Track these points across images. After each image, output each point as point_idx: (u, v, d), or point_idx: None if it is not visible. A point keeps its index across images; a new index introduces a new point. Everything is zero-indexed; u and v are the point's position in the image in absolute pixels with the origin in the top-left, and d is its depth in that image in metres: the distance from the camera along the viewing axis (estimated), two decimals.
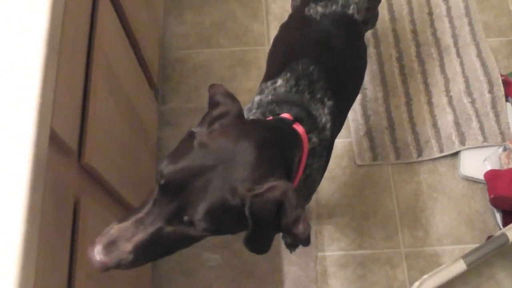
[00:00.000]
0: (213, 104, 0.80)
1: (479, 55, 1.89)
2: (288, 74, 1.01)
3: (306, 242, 0.74)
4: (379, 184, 1.69)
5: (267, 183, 0.71)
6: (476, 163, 1.69)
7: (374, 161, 1.71)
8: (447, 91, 1.83)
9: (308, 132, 0.94)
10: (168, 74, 1.84)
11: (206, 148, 0.72)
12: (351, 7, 1.11)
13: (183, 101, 1.79)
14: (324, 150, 0.99)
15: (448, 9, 1.99)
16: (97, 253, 0.68)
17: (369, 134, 1.74)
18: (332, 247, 1.61)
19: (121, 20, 1.27)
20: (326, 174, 1.11)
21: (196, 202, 0.69)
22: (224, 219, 0.70)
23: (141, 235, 0.69)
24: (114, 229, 0.70)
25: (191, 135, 0.75)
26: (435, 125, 1.77)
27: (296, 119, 0.93)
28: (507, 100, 1.80)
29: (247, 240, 0.73)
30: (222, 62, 1.87)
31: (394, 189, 1.69)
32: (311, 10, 1.11)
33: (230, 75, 1.85)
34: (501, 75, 1.83)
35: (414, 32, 1.93)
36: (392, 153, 1.72)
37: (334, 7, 1.10)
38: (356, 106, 1.79)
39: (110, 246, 0.68)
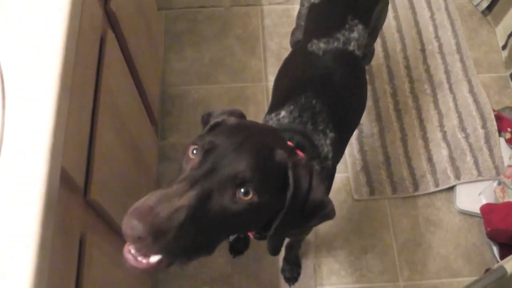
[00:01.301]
0: (209, 116, 0.86)
1: (471, 91, 1.94)
2: (292, 107, 1.05)
3: (333, 211, 0.79)
4: (377, 218, 1.71)
5: (298, 156, 0.77)
6: (472, 197, 1.71)
7: (371, 196, 1.73)
8: (441, 126, 1.87)
9: (310, 159, 0.96)
10: (168, 110, 1.88)
11: (239, 125, 0.77)
12: (352, 44, 1.15)
13: (183, 136, 1.82)
14: (326, 179, 1.02)
15: (440, 45, 2.05)
16: (144, 211, 0.59)
17: (366, 169, 1.77)
18: (330, 281, 1.61)
19: (126, 58, 1.31)
20: None
21: (244, 163, 0.68)
22: (270, 181, 0.70)
23: (192, 192, 0.64)
24: (160, 191, 0.63)
25: (222, 123, 0.79)
26: (430, 159, 1.81)
27: (298, 147, 0.96)
28: (500, 135, 1.84)
29: (282, 219, 0.74)
30: (221, 98, 1.91)
31: (391, 223, 1.71)
32: (314, 46, 1.15)
33: None
34: (493, 110, 1.88)
35: (408, 68, 1.99)
36: (389, 188, 1.74)
37: (336, 44, 1.14)
38: (353, 141, 1.82)
39: (159, 202, 0.61)
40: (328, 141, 1.02)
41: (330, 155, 1.01)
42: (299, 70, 1.16)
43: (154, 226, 0.58)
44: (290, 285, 1.59)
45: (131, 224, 0.58)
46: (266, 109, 1.84)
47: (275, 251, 0.83)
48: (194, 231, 0.63)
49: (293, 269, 1.58)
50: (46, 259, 0.68)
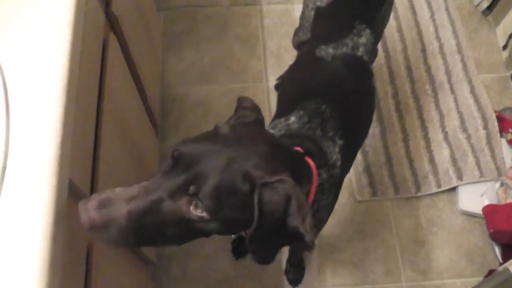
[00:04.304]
0: (239, 108, 0.84)
1: (472, 91, 1.94)
2: (301, 112, 1.03)
3: (311, 244, 0.73)
4: (379, 219, 1.71)
5: (279, 176, 0.71)
6: (474, 197, 1.71)
7: (373, 197, 1.73)
8: (443, 127, 1.87)
9: (318, 167, 0.94)
10: (167, 111, 1.86)
11: (226, 136, 0.74)
12: (360, 49, 1.14)
13: (183, 138, 1.80)
14: (333, 188, 1.01)
15: (441, 46, 2.04)
16: (89, 208, 0.64)
17: (368, 170, 1.77)
18: (334, 282, 1.61)
19: (127, 60, 1.29)
20: None
21: (206, 176, 0.67)
22: (229, 202, 0.68)
23: (139, 201, 0.67)
24: (114, 190, 0.67)
25: (215, 128, 0.77)
26: (432, 160, 1.80)
27: (307, 153, 0.94)
28: (501, 136, 1.84)
29: (251, 237, 0.71)
30: (221, 99, 1.90)
31: (394, 224, 1.70)
32: (322, 52, 1.14)
33: (230, 112, 1.84)
34: (494, 111, 1.88)
35: (409, 68, 1.98)
36: (391, 189, 1.74)
37: (344, 49, 1.13)
38: None
39: (104, 204, 0.65)
40: (336, 149, 1.01)
41: (338, 163, 1.00)
42: (308, 75, 1.14)
43: (101, 219, 0.65)
44: (293, 287, 1.58)
45: (82, 211, 0.65)
46: (266, 109, 1.85)
47: (262, 261, 0.79)
48: (145, 229, 0.67)
49: (296, 271, 1.57)
50: (57, 274, 0.66)
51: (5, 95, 0.75)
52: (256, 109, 0.84)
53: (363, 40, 1.14)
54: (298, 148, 0.94)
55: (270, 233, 0.73)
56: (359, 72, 1.14)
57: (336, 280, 1.61)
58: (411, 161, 1.79)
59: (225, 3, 2.08)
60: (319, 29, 1.22)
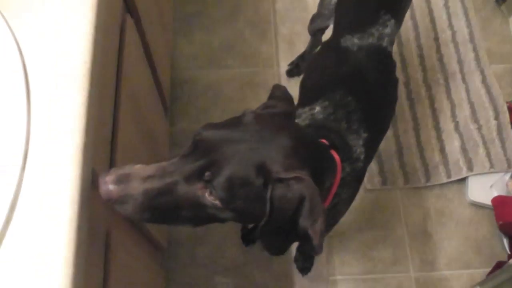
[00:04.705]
0: (271, 97, 0.83)
1: (484, 81, 1.93)
2: (326, 102, 1.02)
3: (318, 249, 0.72)
4: (389, 208, 1.70)
5: (295, 173, 0.69)
6: (484, 189, 1.71)
7: (383, 186, 1.72)
8: (454, 116, 1.86)
9: (342, 161, 0.93)
10: (177, 95, 1.84)
11: (249, 125, 0.73)
12: (385, 40, 1.12)
13: (192, 122, 1.79)
14: (355, 181, 1.00)
15: (453, 34, 2.02)
16: (107, 181, 0.66)
17: (379, 158, 1.76)
18: (343, 271, 1.61)
19: (142, 44, 1.27)
20: None
21: (222, 165, 0.68)
22: (241, 193, 0.68)
23: (156, 182, 0.68)
24: (134, 167, 0.69)
25: (242, 114, 0.76)
26: (442, 150, 1.79)
27: (332, 146, 0.93)
28: None
29: (262, 230, 0.71)
30: (231, 84, 1.87)
31: (403, 213, 1.70)
32: (348, 42, 1.12)
33: (240, 97, 1.85)
34: (506, 102, 1.86)
35: (421, 57, 1.96)
36: (401, 178, 1.73)
37: (370, 40, 1.11)
38: None
39: (122, 179, 0.67)
40: (361, 142, 0.99)
41: (362, 156, 0.99)
42: (333, 65, 1.12)
43: (118, 194, 0.67)
44: (303, 275, 1.58)
45: (101, 184, 0.67)
46: None
47: (274, 253, 0.78)
48: (160, 208, 0.69)
49: (306, 259, 1.57)
50: (82, 264, 0.66)
51: (25, 80, 0.72)
52: (287, 99, 0.82)
53: (388, 30, 1.12)
54: (323, 141, 0.93)
55: (281, 228, 0.72)
56: (383, 64, 1.12)
57: (344, 269, 1.62)
58: (421, 151, 1.79)
59: None
60: (343, 18, 1.20)
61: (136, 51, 1.17)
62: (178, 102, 1.83)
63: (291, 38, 1.96)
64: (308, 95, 1.09)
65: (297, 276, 1.59)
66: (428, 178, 1.74)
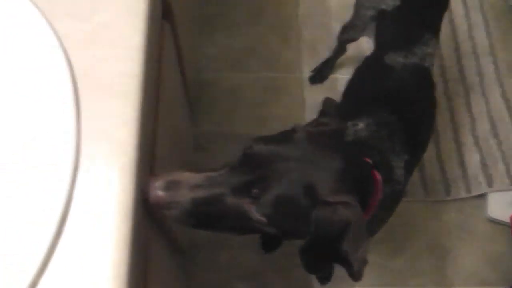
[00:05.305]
0: (323, 112, 0.84)
1: (504, 95, 1.92)
2: (370, 120, 1.01)
3: (357, 276, 0.74)
4: (408, 221, 1.70)
5: (343, 197, 0.70)
6: (504, 205, 1.71)
7: (404, 198, 1.71)
8: (473, 130, 1.85)
9: (383, 181, 0.93)
10: (198, 97, 1.82)
11: (300, 143, 0.73)
12: (427, 60, 1.11)
13: (215, 125, 1.77)
14: (393, 203, 0.99)
15: (474, 46, 2.01)
16: (156, 187, 0.67)
17: None
18: (362, 282, 1.59)
19: (176, 50, 1.25)
20: None
21: (270, 183, 0.68)
22: (287, 212, 0.69)
23: (203, 191, 0.69)
24: (183, 175, 0.70)
25: (292, 129, 0.77)
26: (462, 164, 1.79)
27: (376, 167, 0.92)
28: None
29: (303, 251, 0.72)
30: (252, 88, 1.86)
31: (423, 226, 1.70)
32: (391, 59, 1.11)
33: (262, 101, 1.84)
34: None
35: (442, 67, 1.95)
36: (421, 191, 1.73)
37: (414, 59, 1.10)
38: None
39: (171, 186, 0.67)
40: (402, 164, 0.98)
41: (402, 178, 0.98)
42: (377, 82, 1.11)
43: (166, 200, 0.67)
44: (322, 284, 1.58)
45: (150, 188, 0.67)
46: (301, 102, 1.81)
47: (312, 270, 0.79)
48: (206, 216, 0.70)
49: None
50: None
51: (74, 91, 0.70)
52: (338, 116, 0.82)
53: (430, 50, 1.11)
54: (367, 159, 0.92)
55: (322, 250, 0.72)
56: (425, 84, 1.11)
57: (363, 280, 1.59)
58: (441, 164, 1.78)
59: None
60: (387, 34, 1.18)
61: (171, 57, 1.16)
62: (200, 104, 1.82)
63: (314, 44, 1.94)
64: (349, 110, 1.08)
65: (316, 285, 1.59)
66: (448, 192, 1.74)
